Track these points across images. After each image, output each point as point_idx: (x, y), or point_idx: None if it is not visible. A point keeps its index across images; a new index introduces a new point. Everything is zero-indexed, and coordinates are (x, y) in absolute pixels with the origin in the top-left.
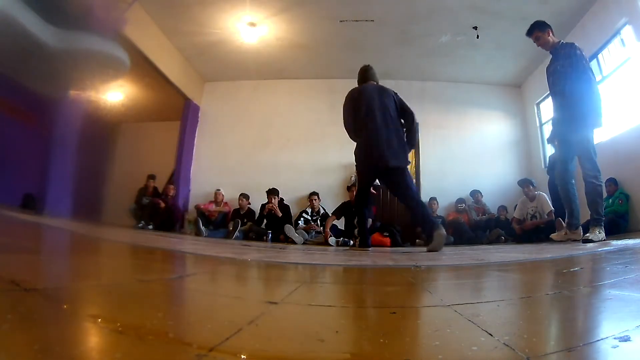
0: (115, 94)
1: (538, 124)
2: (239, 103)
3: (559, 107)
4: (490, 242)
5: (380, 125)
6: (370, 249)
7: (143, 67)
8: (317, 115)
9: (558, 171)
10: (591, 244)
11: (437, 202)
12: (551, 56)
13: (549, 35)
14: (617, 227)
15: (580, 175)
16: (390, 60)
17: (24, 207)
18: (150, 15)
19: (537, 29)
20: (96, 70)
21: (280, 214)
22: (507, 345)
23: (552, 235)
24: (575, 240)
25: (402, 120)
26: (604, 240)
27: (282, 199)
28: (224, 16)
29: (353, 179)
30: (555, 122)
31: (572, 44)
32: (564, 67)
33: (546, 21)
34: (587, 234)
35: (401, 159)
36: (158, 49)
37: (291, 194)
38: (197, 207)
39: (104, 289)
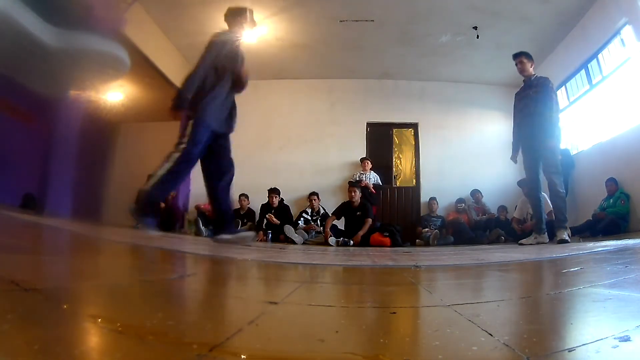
0: (115, 94)
1: None
2: (239, 103)
3: (528, 125)
4: (490, 242)
5: None
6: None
7: (143, 67)
8: (317, 115)
9: (529, 182)
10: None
11: (437, 202)
12: (523, 83)
13: (531, 66)
14: (617, 227)
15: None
16: (390, 60)
17: (24, 207)
18: (150, 15)
19: (525, 56)
20: (96, 70)
21: (278, 222)
22: (507, 345)
23: (522, 241)
24: (544, 243)
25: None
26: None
27: (282, 199)
28: None
29: (357, 176)
30: (524, 138)
31: (547, 78)
32: (537, 94)
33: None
34: (562, 236)
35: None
36: (158, 49)
37: (291, 194)
38: (197, 207)
39: (104, 289)
